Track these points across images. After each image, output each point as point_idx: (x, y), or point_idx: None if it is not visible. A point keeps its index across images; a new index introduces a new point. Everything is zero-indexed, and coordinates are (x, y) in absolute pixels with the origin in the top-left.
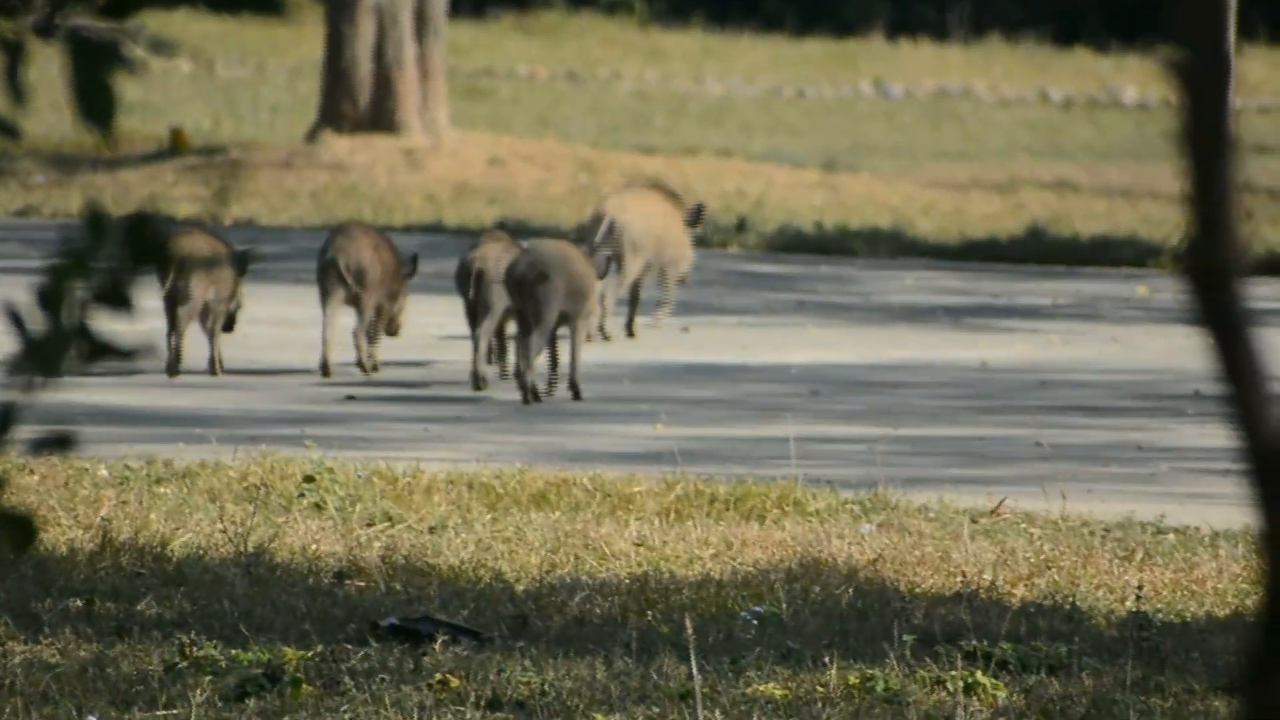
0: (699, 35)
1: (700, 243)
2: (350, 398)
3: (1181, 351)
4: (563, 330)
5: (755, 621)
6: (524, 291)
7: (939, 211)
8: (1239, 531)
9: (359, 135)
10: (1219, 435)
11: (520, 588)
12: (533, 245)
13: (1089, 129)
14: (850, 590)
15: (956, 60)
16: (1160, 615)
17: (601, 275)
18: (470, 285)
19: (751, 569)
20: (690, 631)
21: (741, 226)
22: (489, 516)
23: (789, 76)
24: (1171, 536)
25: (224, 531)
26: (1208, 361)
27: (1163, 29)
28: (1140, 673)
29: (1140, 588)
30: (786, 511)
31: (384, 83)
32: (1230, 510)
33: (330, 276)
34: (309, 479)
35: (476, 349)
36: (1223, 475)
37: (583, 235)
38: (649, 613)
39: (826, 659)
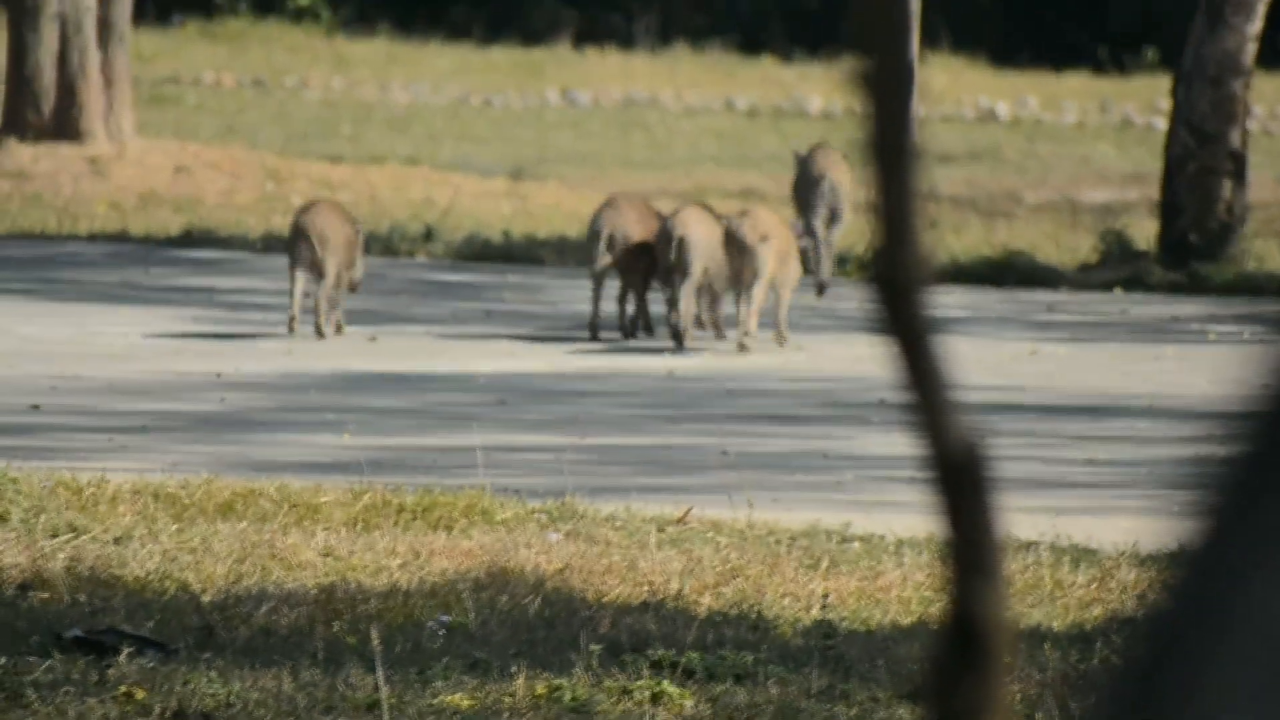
0: (385, 43)
1: (387, 251)
2: (35, 407)
3: (866, 360)
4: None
5: (443, 631)
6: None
7: None
8: (923, 539)
9: (43, 143)
10: (903, 443)
11: (206, 598)
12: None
13: (774, 138)
14: (538, 599)
15: (643, 69)
16: (845, 623)
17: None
18: (673, 250)
19: (439, 579)
20: (377, 642)
21: (429, 235)
22: (175, 527)
23: (476, 85)
24: (857, 545)
25: None
26: (892, 370)
27: (845, 38)
28: (826, 681)
29: (826, 596)
30: (474, 521)
31: (68, 90)
32: (914, 518)
33: (298, 244)
34: None
35: (676, 309)
36: (907, 483)
37: (269, 244)
38: (336, 623)
39: (514, 669)
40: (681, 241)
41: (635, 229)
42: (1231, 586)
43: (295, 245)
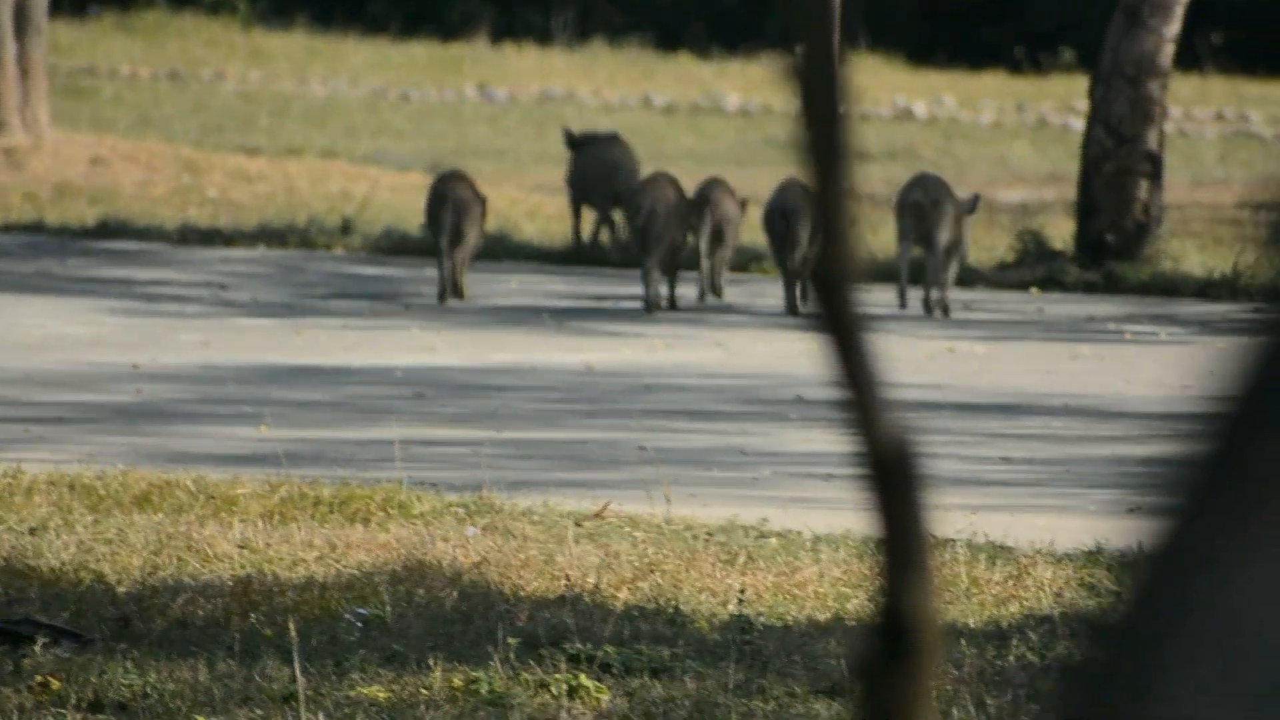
0: (303, 37)
1: (305, 244)
2: None
3: (784, 357)
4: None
5: (359, 624)
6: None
7: (544, 215)
8: (839, 536)
9: None
10: (821, 440)
11: (122, 589)
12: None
13: (692, 135)
14: (455, 593)
15: (560, 65)
16: (762, 619)
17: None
18: (783, 223)
19: (356, 571)
20: (294, 634)
21: (346, 228)
22: (91, 518)
23: (394, 79)
24: (774, 540)
25: None
26: (826, 366)
27: (767, 36)
28: (742, 676)
29: (743, 591)
30: (391, 514)
31: None
32: (831, 514)
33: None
34: None
35: (791, 286)
36: (824, 480)
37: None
38: (252, 615)
39: (431, 661)
40: (721, 214)
41: (673, 204)
42: (1188, 584)
43: (438, 213)
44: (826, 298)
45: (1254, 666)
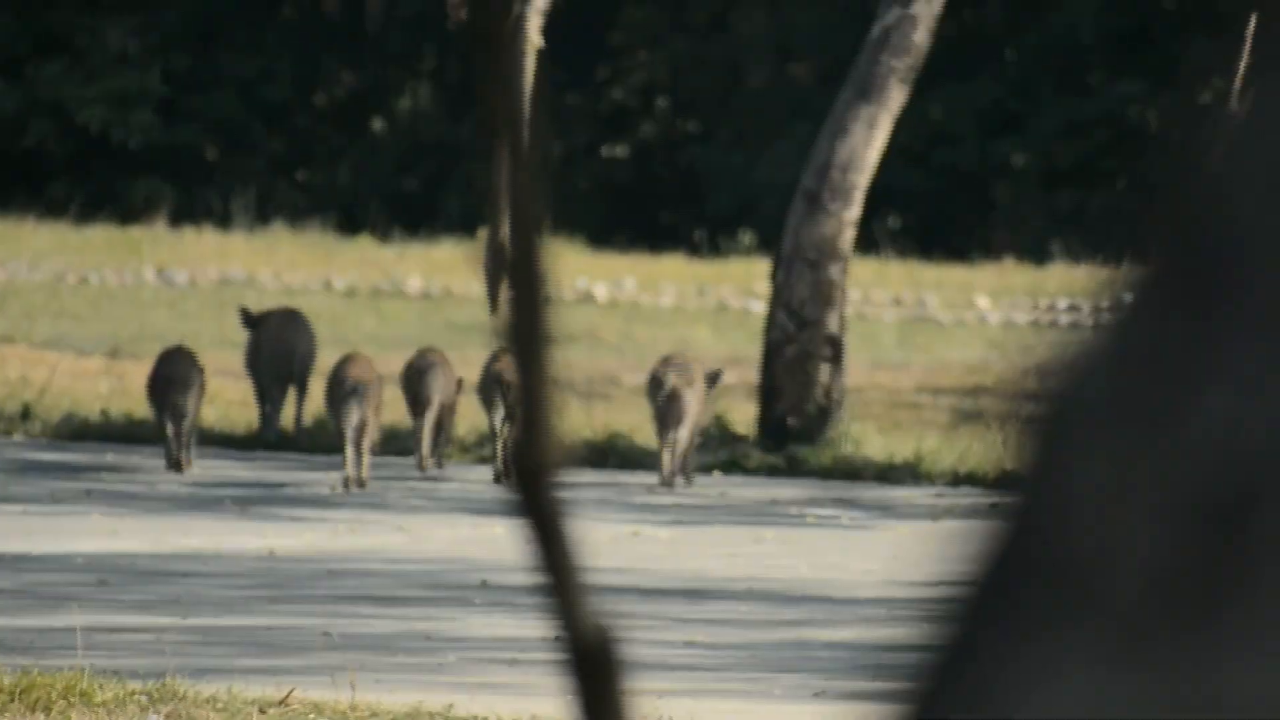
0: None
1: None
2: None
3: (469, 542)
4: None
5: None
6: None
7: (224, 399)
8: None
9: None
10: (506, 625)
11: None
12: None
13: (373, 317)
14: None
15: (240, 248)
16: None
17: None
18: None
19: None
20: None
21: (26, 414)
22: None
23: (73, 262)
24: None
25: None
26: (526, 553)
27: (457, 219)
28: None
29: None
30: (73, 702)
31: None
32: (518, 699)
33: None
34: None
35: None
36: (509, 665)
37: None
38: None
39: None
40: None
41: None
42: None
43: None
44: (527, 484)
45: None
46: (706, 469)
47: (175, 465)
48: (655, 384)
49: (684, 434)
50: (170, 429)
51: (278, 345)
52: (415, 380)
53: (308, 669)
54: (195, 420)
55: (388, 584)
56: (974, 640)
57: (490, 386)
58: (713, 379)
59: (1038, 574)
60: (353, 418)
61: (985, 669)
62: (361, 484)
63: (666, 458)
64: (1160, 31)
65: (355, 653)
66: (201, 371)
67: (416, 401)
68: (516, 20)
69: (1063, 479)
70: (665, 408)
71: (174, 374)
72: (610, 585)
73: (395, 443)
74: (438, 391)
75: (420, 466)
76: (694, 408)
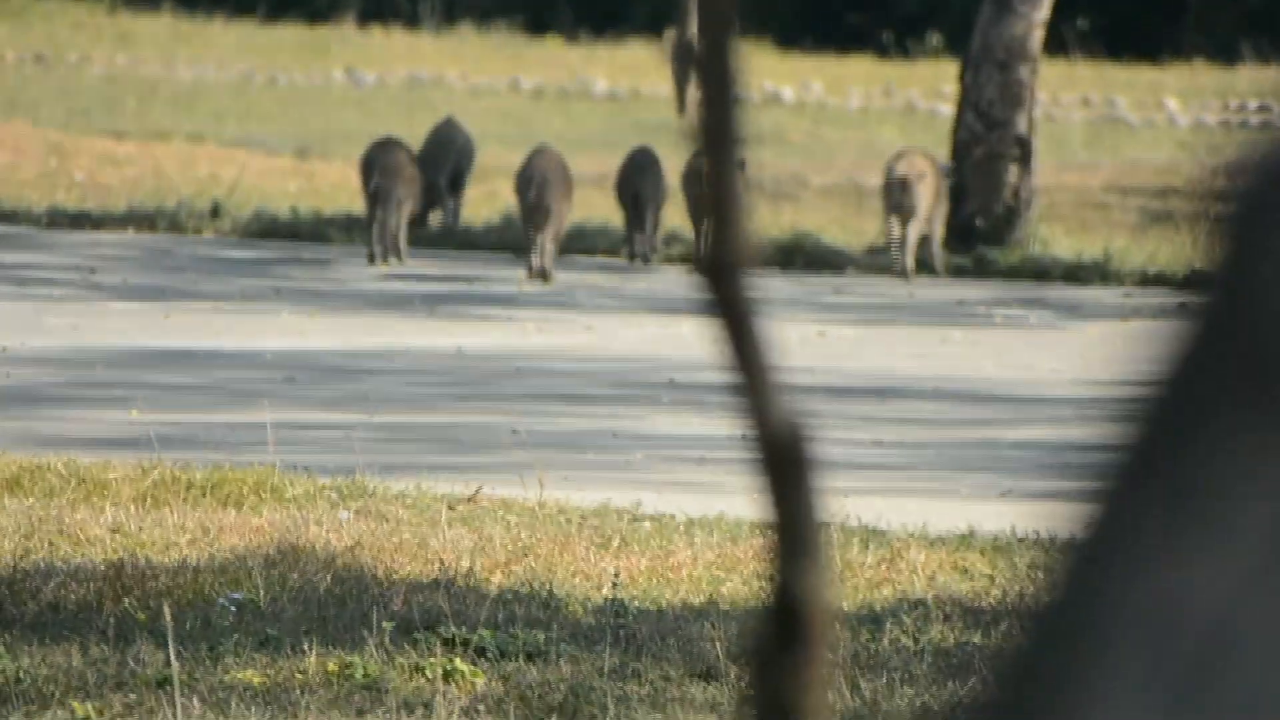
0: (169, 20)
1: (174, 228)
2: None
3: (656, 340)
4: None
5: (233, 608)
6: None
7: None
8: (713, 519)
9: None
10: (693, 424)
11: None
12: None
13: (560, 119)
14: (329, 577)
15: (428, 49)
16: (636, 603)
17: None
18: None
19: (229, 555)
20: (168, 618)
21: (216, 212)
22: None
23: (261, 63)
24: (647, 524)
25: None
26: (717, 351)
27: (645, 21)
28: (617, 659)
29: (617, 575)
30: (264, 498)
31: None
32: (705, 498)
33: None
34: None
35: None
36: (697, 463)
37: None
38: (125, 599)
39: (305, 645)
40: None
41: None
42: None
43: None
44: (718, 283)
45: (1178, 656)
46: (893, 269)
47: (370, 258)
48: (889, 181)
49: (914, 229)
50: (378, 215)
51: (436, 146)
52: (633, 176)
53: (495, 466)
54: (401, 214)
55: (575, 382)
56: (1166, 439)
57: (689, 186)
58: (947, 174)
59: (1229, 373)
60: (538, 208)
61: (1182, 466)
62: (544, 275)
63: (897, 253)
64: None
65: (543, 451)
66: (413, 161)
67: (636, 199)
68: None
69: (1253, 278)
70: (897, 200)
71: (384, 161)
72: (798, 385)
73: (583, 239)
74: (653, 188)
75: (636, 257)
76: (926, 199)
